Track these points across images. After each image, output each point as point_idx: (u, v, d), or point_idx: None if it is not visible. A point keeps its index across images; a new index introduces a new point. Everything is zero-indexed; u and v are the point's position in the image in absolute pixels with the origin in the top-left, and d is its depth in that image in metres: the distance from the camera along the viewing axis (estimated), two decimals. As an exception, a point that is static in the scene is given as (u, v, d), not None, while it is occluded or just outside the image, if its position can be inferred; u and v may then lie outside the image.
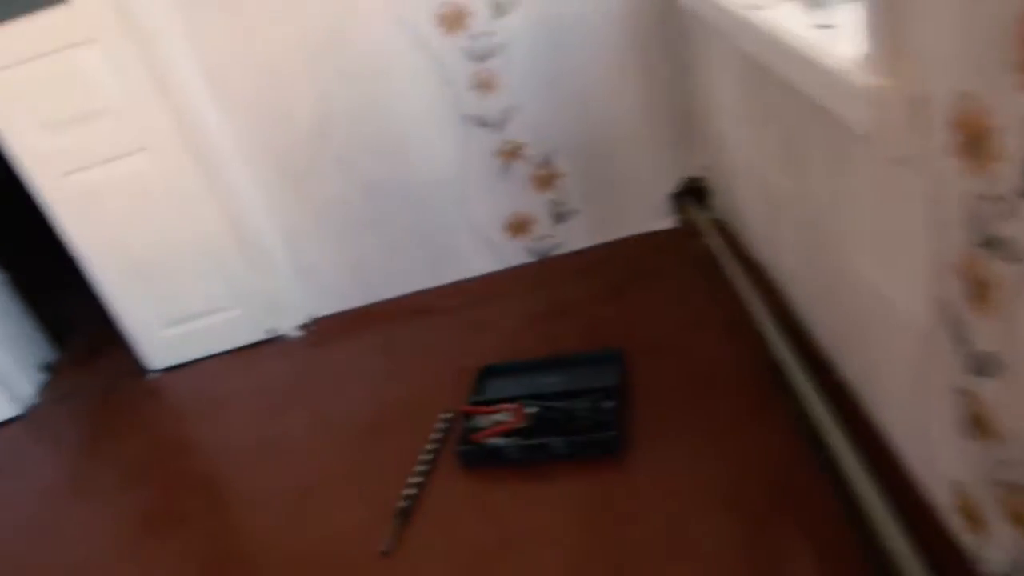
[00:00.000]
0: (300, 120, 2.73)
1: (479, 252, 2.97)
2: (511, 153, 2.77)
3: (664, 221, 2.89)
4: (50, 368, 3.64)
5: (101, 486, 2.73)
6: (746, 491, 1.82)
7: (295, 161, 2.81)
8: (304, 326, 3.16)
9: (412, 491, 2.10)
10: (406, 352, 2.83)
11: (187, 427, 2.93)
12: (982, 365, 1.06)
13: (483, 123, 2.71)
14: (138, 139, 2.78)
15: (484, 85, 2.64)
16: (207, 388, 3.08)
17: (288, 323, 3.16)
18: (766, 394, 2.05)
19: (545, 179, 2.83)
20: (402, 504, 2.06)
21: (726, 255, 2.52)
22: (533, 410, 2.18)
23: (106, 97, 2.72)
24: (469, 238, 2.95)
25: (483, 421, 2.22)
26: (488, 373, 2.45)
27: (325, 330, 3.14)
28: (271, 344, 3.18)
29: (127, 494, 2.61)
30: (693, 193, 2.83)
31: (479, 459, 2.14)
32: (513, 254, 2.99)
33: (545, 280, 2.94)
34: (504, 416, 2.19)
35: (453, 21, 2.56)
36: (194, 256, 3.00)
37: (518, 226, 2.93)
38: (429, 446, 2.24)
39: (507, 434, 2.14)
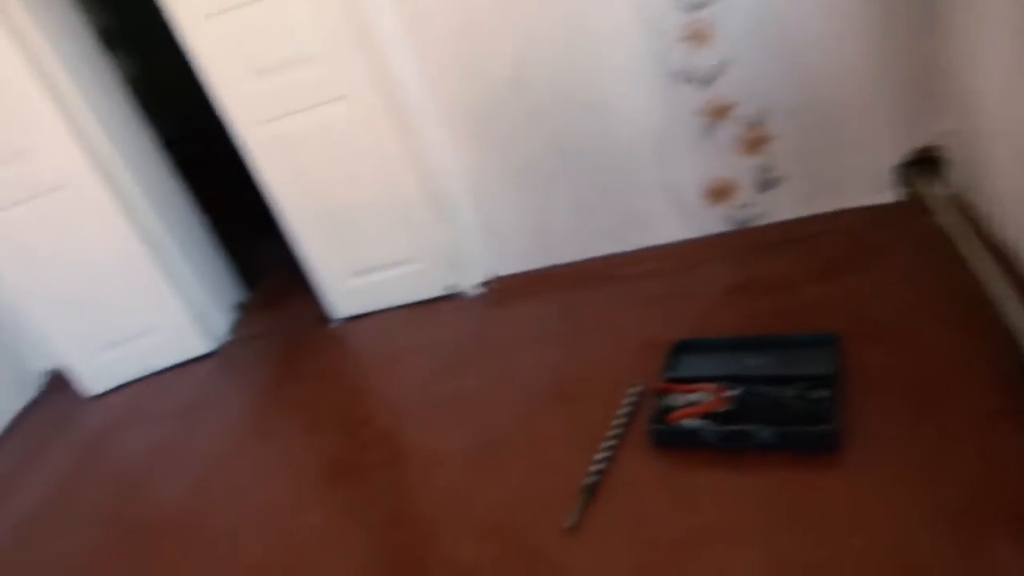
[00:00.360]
0: (496, 71, 2.65)
1: (673, 218, 2.81)
2: (718, 112, 2.57)
3: (887, 194, 2.61)
4: (241, 308, 3.83)
5: (285, 428, 2.82)
6: (984, 509, 1.59)
7: (488, 114, 2.75)
8: (484, 284, 3.13)
9: (599, 467, 2.00)
10: (590, 319, 2.73)
11: (367, 377, 2.97)
12: None
13: (690, 78, 2.52)
14: (337, 87, 2.80)
15: (696, 37, 2.45)
16: (387, 340, 3.12)
17: (468, 280, 3.13)
18: (1012, 398, 1.79)
19: (753, 142, 2.62)
20: (589, 480, 1.97)
21: (965, 236, 2.23)
22: (735, 393, 2.02)
23: (309, 45, 2.75)
24: (664, 202, 2.79)
25: (678, 400, 2.08)
26: (682, 348, 2.31)
27: (505, 290, 3.08)
28: (449, 301, 3.17)
29: (309, 439, 2.68)
30: (926, 164, 2.53)
31: (673, 440, 2.01)
32: (710, 222, 2.80)
33: (745, 252, 2.74)
34: (702, 396, 2.04)
35: (666, -34, 2.39)
36: (382, 207, 3.01)
37: (718, 192, 2.73)
38: (617, 421, 2.14)
39: (705, 416, 1.99)
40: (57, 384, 3.74)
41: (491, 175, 2.88)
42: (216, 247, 3.81)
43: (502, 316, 2.96)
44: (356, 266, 3.20)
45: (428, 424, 2.50)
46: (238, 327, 3.69)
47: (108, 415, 3.42)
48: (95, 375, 3.55)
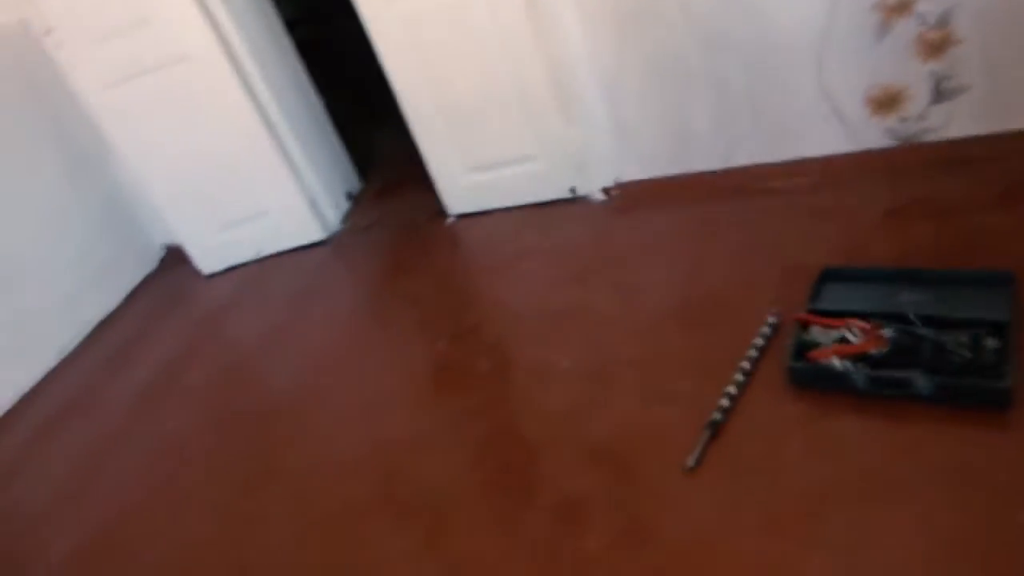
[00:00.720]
0: (643, -49, 2.40)
1: (828, 127, 2.53)
2: (896, 7, 2.25)
3: (1091, 113, 2.26)
4: (356, 197, 3.78)
5: (393, 326, 2.78)
6: None
7: (631, 2, 2.50)
8: (610, 189, 2.95)
9: (727, 402, 1.85)
10: (725, 235, 2.53)
11: (480, 280, 2.89)
12: None
13: (870, -36, 2.21)
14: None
15: (884, -85, 2.13)
16: (503, 242, 3.00)
17: (593, 184, 2.96)
18: None
19: (934, 44, 2.29)
20: (715, 416, 1.82)
21: None
22: (889, 333, 1.82)
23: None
24: (819, 109, 2.51)
25: (823, 336, 1.89)
26: (829, 276, 2.09)
27: (632, 196, 2.90)
28: (572, 204, 3.02)
29: (417, 340, 2.64)
30: None
31: (814, 380, 1.83)
32: (870, 134, 2.51)
33: (908, 171, 2.45)
34: (852, 335, 1.85)
35: None
36: (507, 100, 2.85)
37: (884, 101, 2.44)
38: (751, 352, 1.97)
39: (853, 358, 1.80)
40: (174, 259, 3.83)
41: (627, 68, 2.66)
42: (334, 133, 3.75)
43: (629, 225, 2.79)
44: (476, 161, 3.07)
45: (542, 336, 2.40)
46: (352, 216, 3.66)
47: (222, 295, 3.49)
48: (210, 254, 3.61)
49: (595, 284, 2.53)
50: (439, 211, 3.29)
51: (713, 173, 2.76)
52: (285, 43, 3.49)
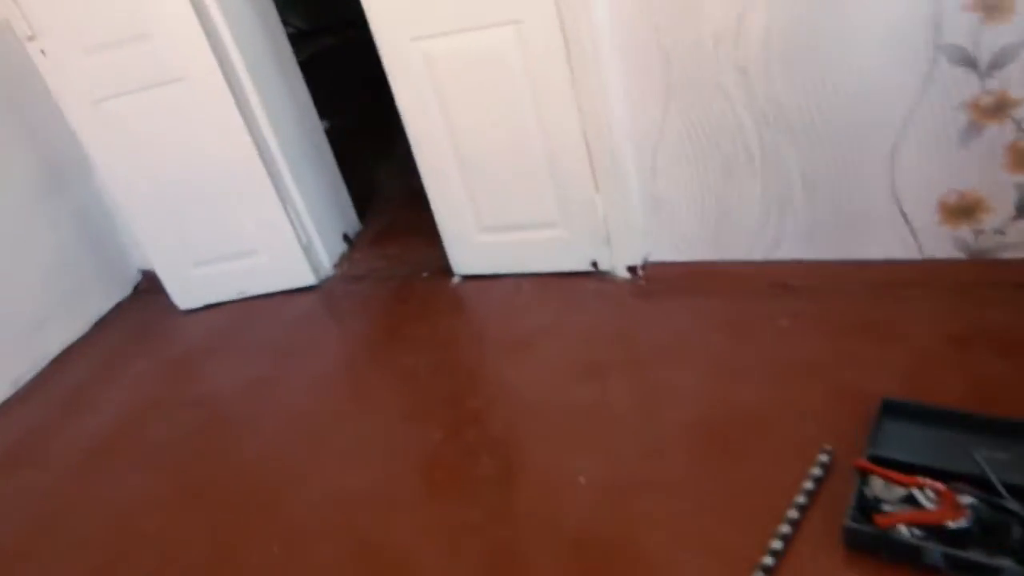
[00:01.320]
0: (711, 13, 2.17)
1: (891, 230, 2.30)
2: (991, 110, 2.03)
3: None
4: (350, 240, 3.52)
5: (382, 400, 2.53)
6: None
7: (686, 64, 2.28)
8: (635, 268, 2.70)
9: (771, 561, 1.60)
10: (766, 340, 2.28)
11: (486, 358, 2.61)
12: None
13: (966, 60, 1.98)
14: (511, 10, 2.36)
15: (991, 7, 1.90)
16: (514, 314, 2.75)
17: (618, 260, 2.71)
18: None
19: (1025, 154, 2.07)
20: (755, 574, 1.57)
21: None
22: (968, 501, 1.57)
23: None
24: (884, 208, 2.28)
25: (886, 491, 1.64)
26: (891, 411, 1.85)
27: (661, 279, 2.66)
28: (591, 279, 2.77)
29: (409, 423, 2.38)
30: None
31: (876, 547, 1.58)
32: (936, 244, 2.28)
33: (977, 290, 2.22)
34: (924, 498, 1.60)
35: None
36: (533, 158, 2.61)
37: (959, 210, 2.20)
38: (799, 498, 1.72)
39: (925, 527, 1.55)
40: (150, 287, 3.57)
41: (671, 137, 2.43)
42: (334, 165, 3.50)
43: (655, 312, 2.54)
44: (491, 220, 2.82)
45: (555, 437, 2.14)
46: (346, 261, 3.40)
47: (197, 336, 3.23)
48: (188, 289, 3.35)
49: (616, 380, 2.29)
50: (443, 268, 3.03)
51: (754, 264, 2.52)
52: (290, 66, 3.25)
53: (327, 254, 3.34)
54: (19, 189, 3.24)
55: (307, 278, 3.25)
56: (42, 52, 2.87)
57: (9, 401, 3.08)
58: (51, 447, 2.75)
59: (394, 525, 1.99)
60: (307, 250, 3.21)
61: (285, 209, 3.12)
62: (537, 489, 2.00)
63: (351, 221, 3.59)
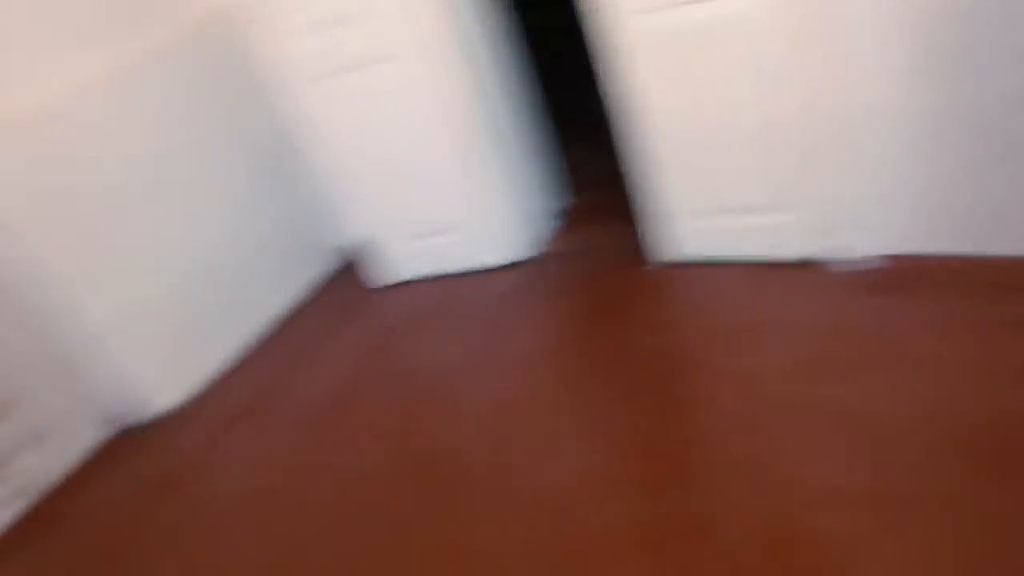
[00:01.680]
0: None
1: None
2: None
3: None
4: (560, 218, 3.49)
5: (594, 385, 2.49)
6: None
7: (961, 34, 2.05)
8: (868, 260, 2.49)
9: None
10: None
11: (706, 349, 2.45)
12: None
13: None
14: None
15: None
16: (729, 303, 2.62)
17: (848, 250, 2.50)
18: None
19: None
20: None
21: None
22: None
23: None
24: None
25: None
26: None
27: (899, 273, 2.42)
28: (809, 270, 2.57)
29: (623, 409, 2.30)
30: None
31: None
32: None
33: None
34: None
35: None
36: (770, 136, 2.46)
37: None
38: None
39: None
40: (358, 262, 3.68)
41: (935, 119, 2.21)
42: (551, 141, 3.45)
43: (893, 309, 2.31)
44: (710, 203, 2.69)
45: (796, 440, 1.97)
46: (553, 241, 3.36)
47: (404, 309, 3.31)
48: (397, 263, 3.43)
49: (857, 380, 2.08)
50: (648, 252, 2.92)
51: (1018, 260, 2.25)
52: (509, 37, 3.23)
53: (537, 231, 3.33)
54: (245, 164, 3.43)
55: (514, 254, 3.25)
56: (260, 35, 3.08)
57: (227, 372, 3.26)
58: (274, 406, 2.90)
59: (607, 520, 1.92)
60: (517, 226, 3.22)
61: (500, 184, 3.14)
62: (782, 495, 1.85)
63: (564, 198, 3.57)
